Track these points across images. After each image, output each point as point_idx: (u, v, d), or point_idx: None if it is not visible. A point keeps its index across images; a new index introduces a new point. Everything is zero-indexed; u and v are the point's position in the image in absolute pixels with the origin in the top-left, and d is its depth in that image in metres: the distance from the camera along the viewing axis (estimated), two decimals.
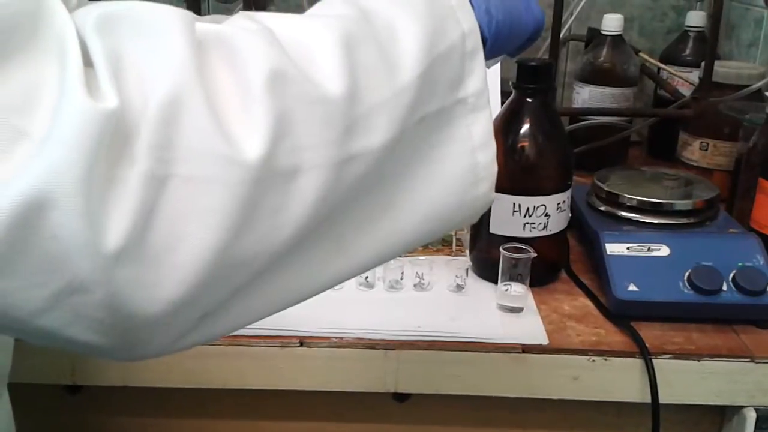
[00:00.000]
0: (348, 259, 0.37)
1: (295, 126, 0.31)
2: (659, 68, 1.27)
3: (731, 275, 0.75)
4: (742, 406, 0.72)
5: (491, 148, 0.40)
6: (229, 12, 1.17)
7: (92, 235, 0.28)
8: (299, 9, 1.22)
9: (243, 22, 0.35)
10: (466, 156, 0.39)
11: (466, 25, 0.40)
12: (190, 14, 0.33)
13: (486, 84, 0.41)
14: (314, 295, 0.39)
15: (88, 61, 0.30)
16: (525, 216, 0.79)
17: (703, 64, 1.08)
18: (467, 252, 0.87)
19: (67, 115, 0.28)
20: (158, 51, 0.30)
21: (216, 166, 0.30)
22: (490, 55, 0.44)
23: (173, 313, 0.31)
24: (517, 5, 0.47)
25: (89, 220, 0.27)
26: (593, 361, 0.71)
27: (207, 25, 0.33)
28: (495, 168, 0.40)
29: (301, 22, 0.36)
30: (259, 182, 0.31)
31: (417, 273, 0.81)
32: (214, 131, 0.30)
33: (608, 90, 1.17)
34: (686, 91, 1.19)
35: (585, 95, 1.19)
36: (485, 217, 0.81)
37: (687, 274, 0.75)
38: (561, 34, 1.04)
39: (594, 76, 1.18)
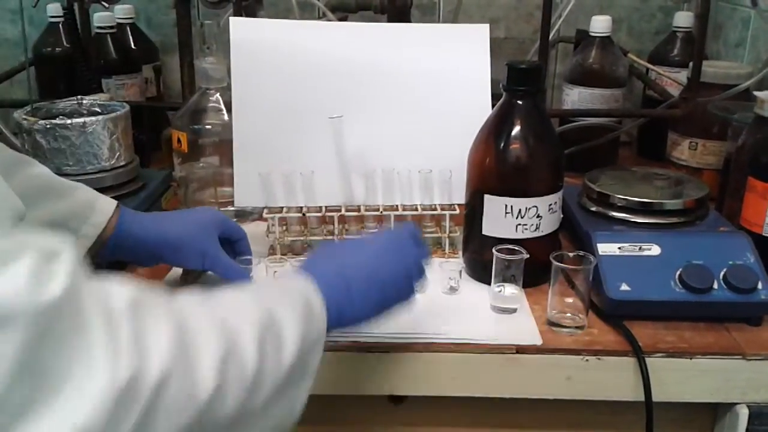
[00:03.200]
0: None
1: (230, 386, 0.48)
2: (648, 69, 1.28)
3: (722, 273, 0.75)
4: (735, 403, 0.73)
5: (303, 404, 0.58)
6: (218, 17, 1.17)
7: None
8: (289, 13, 1.23)
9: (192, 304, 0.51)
10: (293, 411, 0.57)
11: (323, 327, 0.60)
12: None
13: (318, 359, 0.59)
14: None
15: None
16: (517, 217, 0.80)
17: (691, 64, 1.09)
18: (460, 254, 0.88)
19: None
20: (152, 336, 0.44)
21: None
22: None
23: None
24: (368, 308, 0.65)
25: None
26: (587, 360, 0.71)
27: (184, 313, 0.48)
28: None
29: (234, 317, 0.52)
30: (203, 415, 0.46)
31: None
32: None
33: (597, 91, 1.18)
34: (675, 91, 1.20)
35: (574, 96, 1.20)
36: (478, 219, 0.82)
37: (678, 273, 0.75)
38: (550, 36, 1.05)
39: (583, 77, 1.19)
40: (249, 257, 0.83)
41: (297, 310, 0.57)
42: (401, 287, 0.67)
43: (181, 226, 0.79)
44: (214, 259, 0.78)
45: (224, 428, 0.48)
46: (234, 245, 0.83)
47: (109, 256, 0.77)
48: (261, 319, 0.53)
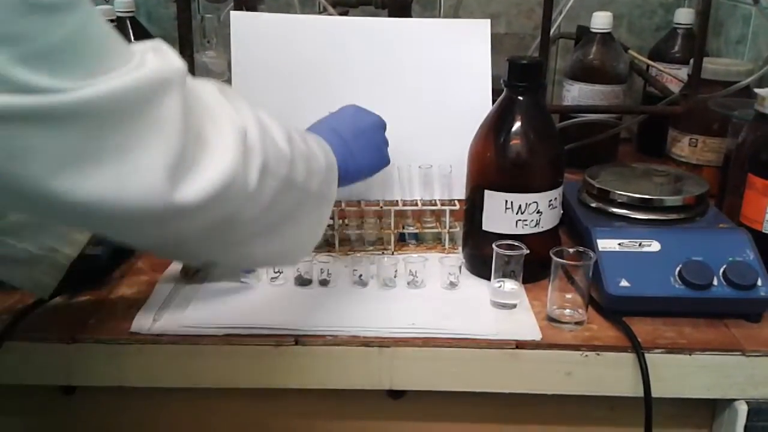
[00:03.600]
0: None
1: (297, 163, 0.62)
2: (648, 65, 1.28)
3: (722, 270, 0.75)
4: (734, 399, 0.73)
5: (327, 220, 0.72)
6: (219, 11, 1.17)
7: None
8: (289, 8, 1.22)
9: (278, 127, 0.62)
10: (325, 216, 0.71)
11: (336, 166, 0.72)
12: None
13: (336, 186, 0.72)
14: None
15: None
16: (517, 213, 0.80)
17: (691, 61, 1.09)
18: (460, 249, 0.88)
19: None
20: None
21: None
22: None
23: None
24: (373, 158, 0.81)
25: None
26: (586, 356, 0.71)
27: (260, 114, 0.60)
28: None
29: (291, 139, 0.63)
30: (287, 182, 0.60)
31: (410, 270, 0.81)
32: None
33: (598, 87, 1.18)
34: (675, 87, 1.20)
35: (575, 93, 1.20)
36: (478, 215, 0.82)
37: (678, 269, 0.75)
38: (551, 32, 1.05)
39: (583, 73, 1.19)
40: None
41: (324, 149, 0.70)
42: (382, 138, 0.82)
43: None
44: None
45: (297, 200, 0.62)
46: None
47: None
48: (306, 147, 0.65)
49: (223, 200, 0.52)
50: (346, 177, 0.74)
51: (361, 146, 0.77)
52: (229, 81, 0.95)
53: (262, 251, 0.63)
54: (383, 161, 0.83)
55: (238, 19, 0.93)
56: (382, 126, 0.82)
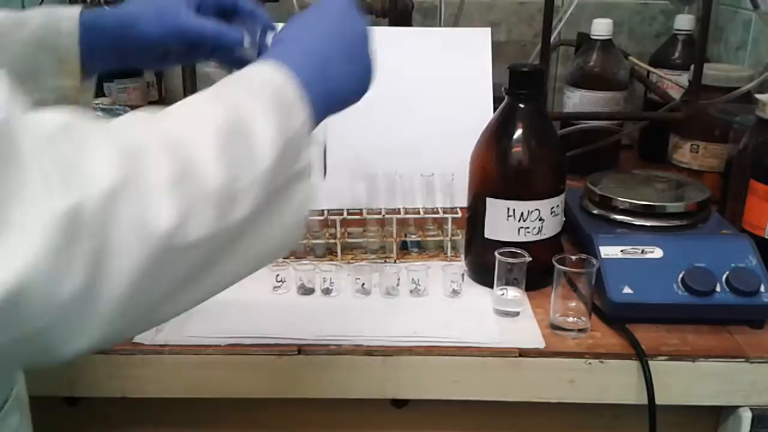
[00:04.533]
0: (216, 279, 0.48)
1: (191, 211, 0.42)
2: (649, 72, 1.28)
3: (724, 276, 0.75)
4: (738, 406, 0.73)
5: (310, 204, 0.53)
6: None
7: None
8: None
9: (144, 124, 0.44)
10: (298, 212, 0.52)
11: (303, 115, 0.52)
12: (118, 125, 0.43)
13: (310, 155, 0.53)
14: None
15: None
16: (519, 220, 0.80)
17: (692, 67, 1.09)
18: (462, 257, 0.88)
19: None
20: (96, 159, 0.39)
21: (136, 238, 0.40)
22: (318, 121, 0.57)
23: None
24: (347, 81, 0.61)
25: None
26: (589, 363, 0.71)
27: (126, 133, 0.42)
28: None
29: (187, 125, 0.46)
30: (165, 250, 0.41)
31: (413, 279, 0.81)
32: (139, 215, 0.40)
33: (599, 94, 1.18)
34: (676, 94, 1.20)
35: (576, 99, 1.20)
36: (480, 223, 0.82)
37: (681, 275, 0.75)
38: (551, 40, 1.05)
39: (584, 80, 1.19)
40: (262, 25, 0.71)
41: (266, 103, 0.50)
42: (367, 49, 0.62)
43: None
44: (175, 18, 0.68)
45: (205, 254, 0.44)
46: (233, 15, 0.72)
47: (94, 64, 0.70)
48: (223, 124, 0.46)
49: (18, 311, 0.35)
50: (327, 105, 0.58)
51: (343, 68, 0.60)
52: None
53: (209, 291, 0.48)
54: (368, 80, 0.64)
55: None
56: (368, 35, 0.63)
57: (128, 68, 0.72)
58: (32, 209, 0.35)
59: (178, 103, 0.48)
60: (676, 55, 1.27)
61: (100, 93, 1.14)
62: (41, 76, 0.67)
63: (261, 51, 0.69)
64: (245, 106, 0.48)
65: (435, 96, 0.94)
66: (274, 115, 0.49)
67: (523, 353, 0.72)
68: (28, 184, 0.35)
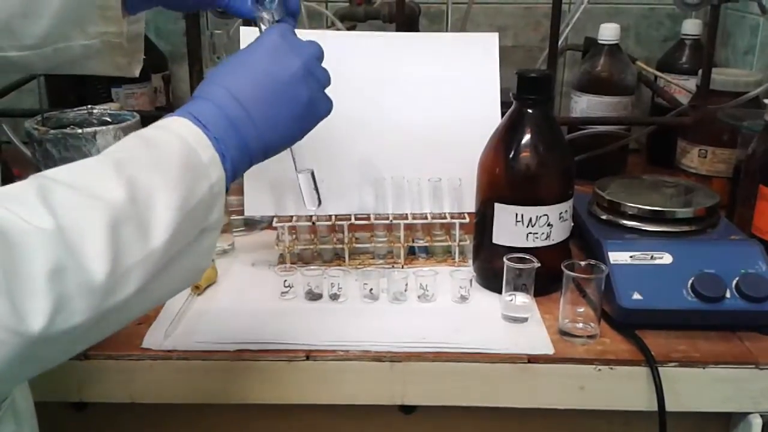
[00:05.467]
0: None
1: (69, 303, 0.43)
2: (656, 76, 1.27)
3: (734, 282, 0.75)
4: (748, 413, 0.72)
5: (213, 252, 0.55)
6: (228, 27, 1.18)
7: None
8: (297, 23, 1.22)
9: (27, 207, 0.43)
10: (200, 264, 0.54)
11: (215, 176, 0.53)
12: None
13: (221, 210, 0.54)
14: None
15: None
16: (528, 226, 0.79)
17: (700, 71, 1.08)
18: (470, 262, 0.88)
19: None
20: None
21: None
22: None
23: None
24: (283, 121, 0.60)
25: None
26: (599, 370, 0.71)
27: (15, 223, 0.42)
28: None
29: (77, 208, 0.45)
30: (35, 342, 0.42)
31: (421, 284, 0.81)
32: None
33: (606, 99, 1.18)
34: (683, 98, 1.20)
35: (583, 104, 1.20)
36: (488, 228, 0.82)
37: (690, 281, 0.75)
38: (558, 44, 1.05)
39: (591, 85, 1.19)
40: None
41: (172, 172, 0.50)
42: (305, 88, 0.61)
43: None
44: None
45: (83, 333, 0.45)
46: None
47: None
48: (116, 207, 0.46)
49: None
50: (250, 156, 0.58)
51: (275, 109, 0.58)
52: None
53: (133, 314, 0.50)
54: (310, 119, 0.63)
55: (248, 34, 0.93)
56: (308, 69, 0.62)
57: (169, 5, 0.75)
58: None
59: (78, 172, 0.48)
60: (684, 59, 1.27)
61: (107, 98, 1.14)
62: (85, 23, 0.68)
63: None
64: (146, 182, 0.48)
65: (442, 101, 0.93)
66: (176, 187, 0.50)
67: (532, 359, 0.71)
68: None
